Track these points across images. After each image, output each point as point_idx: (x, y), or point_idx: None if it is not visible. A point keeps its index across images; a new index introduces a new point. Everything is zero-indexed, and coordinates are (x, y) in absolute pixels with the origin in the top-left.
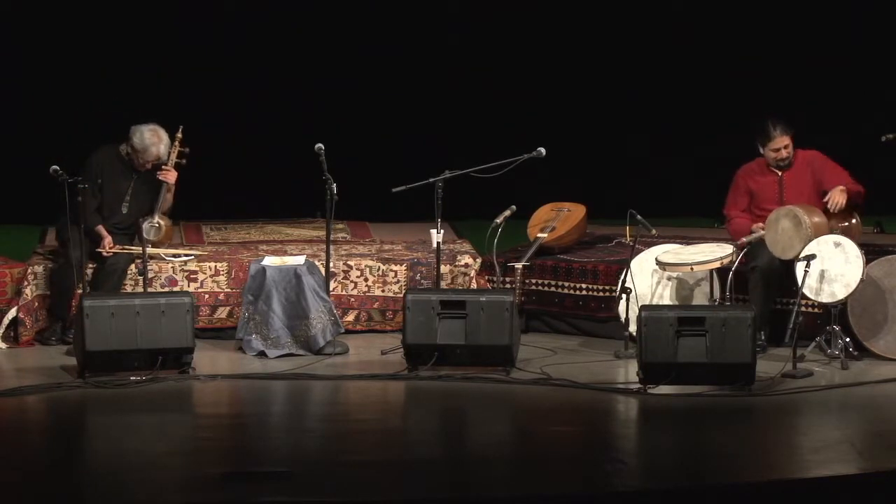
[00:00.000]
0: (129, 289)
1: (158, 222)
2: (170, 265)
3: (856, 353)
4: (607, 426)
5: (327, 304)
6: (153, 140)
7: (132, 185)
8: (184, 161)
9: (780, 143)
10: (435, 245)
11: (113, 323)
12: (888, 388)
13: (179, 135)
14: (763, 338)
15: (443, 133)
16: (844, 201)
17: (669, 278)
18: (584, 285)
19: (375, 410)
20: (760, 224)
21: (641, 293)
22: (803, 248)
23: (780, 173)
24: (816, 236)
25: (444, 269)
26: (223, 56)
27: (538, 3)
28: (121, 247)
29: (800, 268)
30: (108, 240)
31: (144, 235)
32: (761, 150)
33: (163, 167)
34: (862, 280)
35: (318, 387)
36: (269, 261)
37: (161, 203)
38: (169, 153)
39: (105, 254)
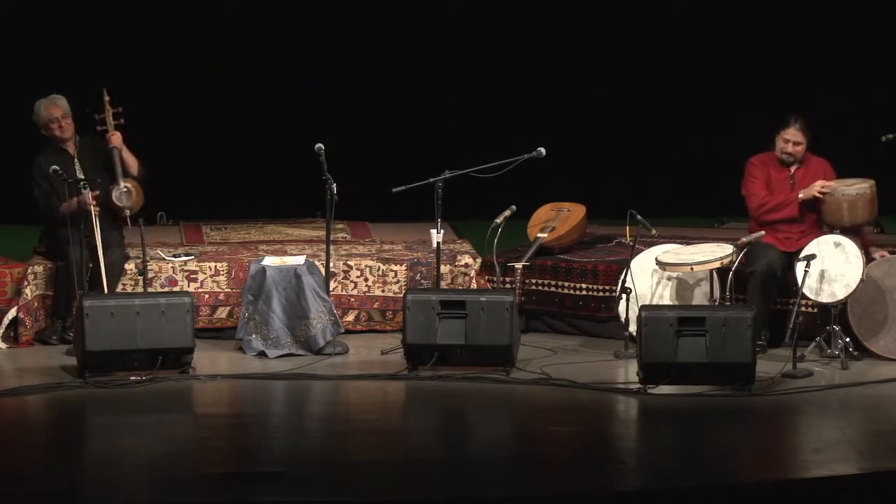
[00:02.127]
0: (129, 289)
1: (126, 186)
2: (170, 265)
3: (856, 353)
4: (607, 426)
5: (327, 304)
6: (42, 103)
7: (76, 157)
8: (122, 121)
9: (791, 136)
10: (435, 245)
11: (113, 323)
12: (888, 388)
13: (107, 97)
14: (764, 339)
15: (443, 133)
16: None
17: (669, 278)
18: (584, 285)
19: (375, 410)
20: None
21: (641, 293)
22: (856, 192)
23: (791, 171)
24: (862, 208)
25: (444, 269)
26: (223, 56)
27: (538, 4)
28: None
29: (800, 268)
30: (81, 199)
31: (116, 202)
32: (776, 139)
33: (107, 135)
34: (862, 280)
35: (318, 387)
36: (269, 261)
37: (119, 168)
38: (104, 118)
39: (93, 206)
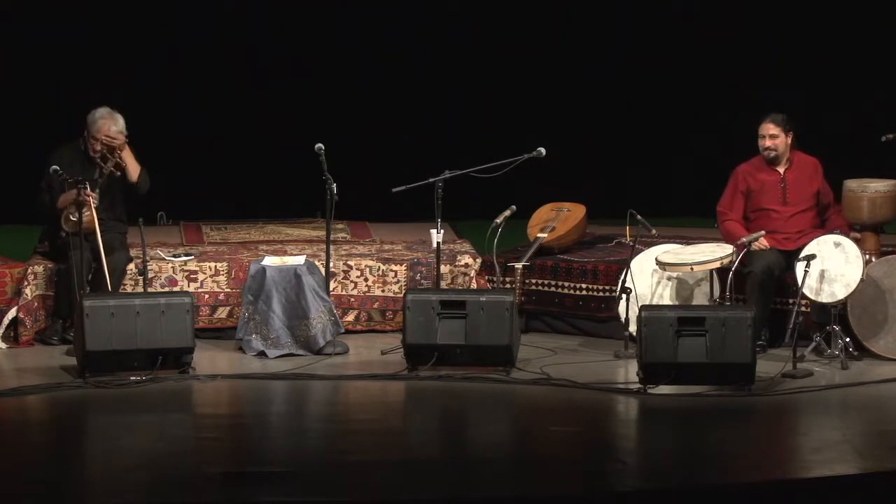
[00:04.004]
0: (129, 289)
1: (76, 216)
2: (170, 265)
3: (856, 353)
4: (607, 426)
5: (327, 304)
6: (102, 114)
7: (96, 177)
8: (118, 173)
9: (766, 130)
10: (435, 245)
11: (113, 323)
12: (888, 388)
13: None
14: (764, 339)
15: (443, 133)
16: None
17: (669, 278)
18: (584, 285)
19: (375, 410)
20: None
21: (641, 293)
22: (876, 189)
23: (781, 172)
24: (882, 206)
25: (444, 269)
26: (223, 55)
27: (538, 3)
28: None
29: (800, 268)
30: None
31: (63, 223)
32: (758, 140)
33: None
34: (862, 280)
35: (318, 387)
36: (269, 261)
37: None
38: (107, 157)
39: (91, 200)
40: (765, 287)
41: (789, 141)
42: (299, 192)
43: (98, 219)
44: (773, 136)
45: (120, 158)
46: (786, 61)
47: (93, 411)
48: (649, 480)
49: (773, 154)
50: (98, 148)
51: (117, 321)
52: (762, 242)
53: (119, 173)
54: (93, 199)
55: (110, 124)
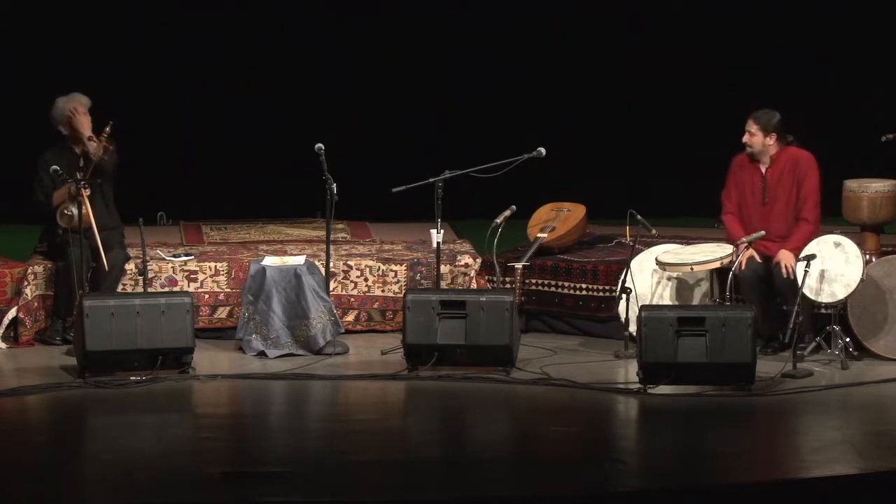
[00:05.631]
0: (129, 289)
1: (71, 211)
2: (170, 265)
3: (856, 353)
4: (607, 426)
5: (327, 304)
6: (62, 99)
7: (82, 158)
8: (105, 158)
9: (748, 126)
10: (435, 245)
11: (113, 323)
12: (888, 388)
13: (108, 129)
14: (784, 339)
15: (443, 133)
16: (794, 263)
17: (669, 278)
18: (584, 285)
19: (375, 410)
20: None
21: (641, 293)
22: (875, 189)
23: (763, 170)
24: (883, 206)
25: (444, 269)
26: (223, 55)
27: (538, 4)
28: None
29: (800, 268)
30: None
31: (58, 219)
32: None
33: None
34: (862, 280)
35: (318, 387)
36: (269, 261)
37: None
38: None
39: (85, 198)
40: (756, 288)
41: (769, 142)
42: (299, 192)
43: (93, 207)
44: (752, 133)
45: (107, 143)
46: (786, 61)
47: (93, 411)
48: (649, 480)
49: (749, 150)
50: (75, 122)
51: (117, 321)
52: (749, 252)
53: (107, 157)
54: (85, 191)
55: (80, 98)
